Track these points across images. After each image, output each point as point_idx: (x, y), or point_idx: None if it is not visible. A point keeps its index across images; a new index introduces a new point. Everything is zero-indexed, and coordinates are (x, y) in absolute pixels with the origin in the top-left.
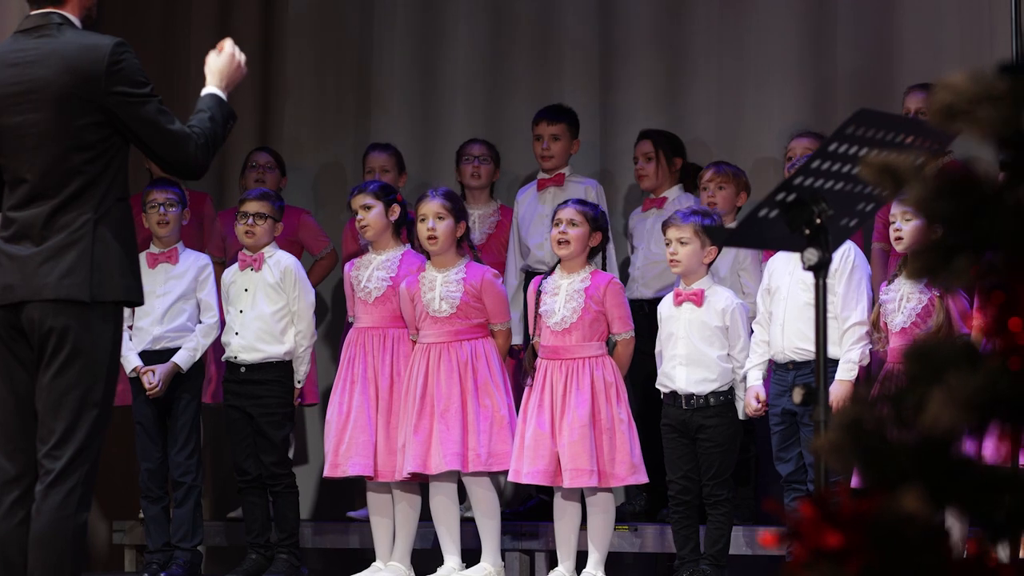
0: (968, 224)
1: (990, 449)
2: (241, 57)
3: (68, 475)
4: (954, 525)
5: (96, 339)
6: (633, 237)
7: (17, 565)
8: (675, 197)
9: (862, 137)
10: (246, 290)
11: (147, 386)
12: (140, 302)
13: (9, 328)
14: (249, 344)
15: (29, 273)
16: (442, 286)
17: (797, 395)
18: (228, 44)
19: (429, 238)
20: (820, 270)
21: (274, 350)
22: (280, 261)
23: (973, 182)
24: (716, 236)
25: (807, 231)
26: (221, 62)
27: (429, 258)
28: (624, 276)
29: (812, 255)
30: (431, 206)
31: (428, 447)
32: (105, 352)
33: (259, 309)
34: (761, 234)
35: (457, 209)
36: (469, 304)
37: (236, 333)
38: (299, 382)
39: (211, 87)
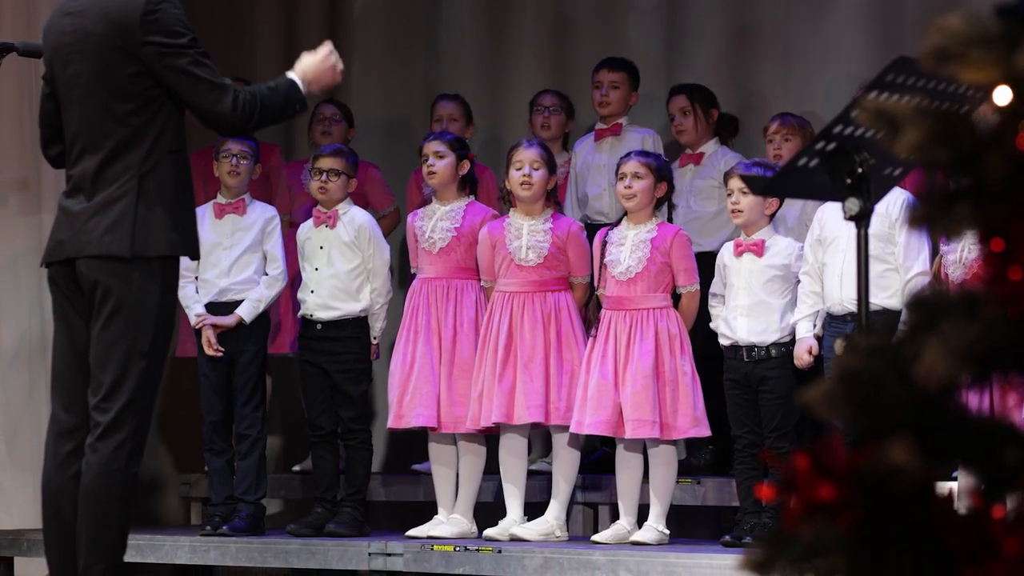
0: (968, 170)
1: (989, 401)
2: (338, 62)
3: (117, 428)
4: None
5: (140, 294)
6: (672, 193)
7: (69, 517)
8: (712, 152)
9: (902, 85)
10: (321, 247)
11: (211, 351)
12: (191, 255)
13: (68, 280)
14: (324, 302)
15: (77, 229)
16: (529, 235)
17: (838, 347)
18: (326, 46)
19: (523, 184)
20: (862, 220)
21: (349, 307)
22: (355, 219)
23: (969, 127)
24: (755, 185)
25: (848, 180)
26: (313, 60)
27: (513, 205)
28: None
29: (853, 205)
30: (528, 154)
31: (512, 397)
32: (152, 305)
33: (335, 267)
34: (802, 183)
35: (551, 161)
36: (555, 255)
37: (311, 291)
38: (375, 338)
39: (291, 73)
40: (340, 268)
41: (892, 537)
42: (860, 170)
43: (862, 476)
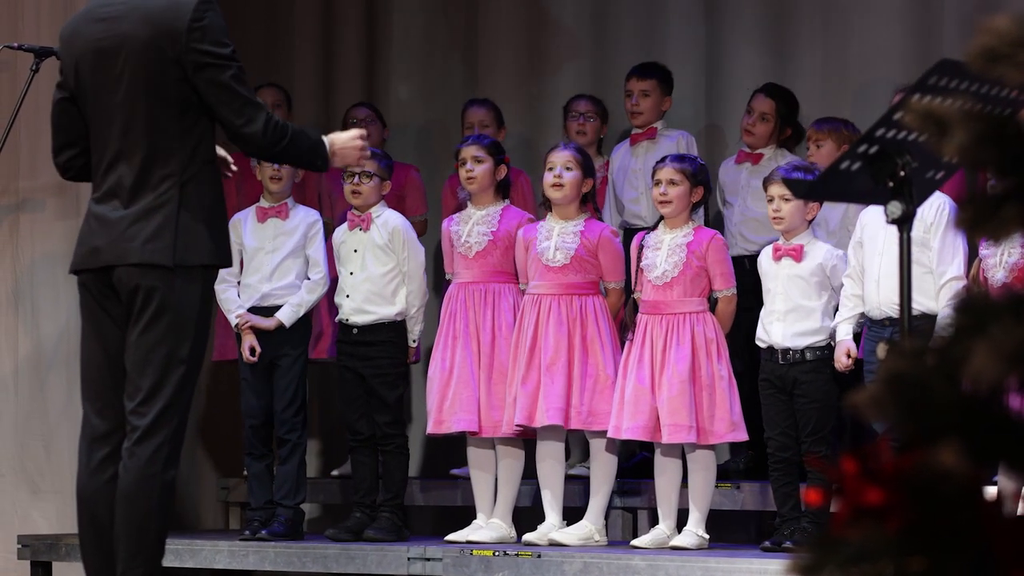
0: (1016, 172)
1: None
2: (365, 150)
3: (154, 432)
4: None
5: (182, 299)
6: (724, 191)
7: (104, 523)
8: (771, 155)
9: (945, 87)
10: (355, 251)
11: (251, 358)
12: (228, 264)
13: (101, 286)
14: (359, 306)
15: (115, 237)
16: (559, 236)
17: (881, 351)
18: (357, 131)
19: (554, 186)
20: (904, 223)
21: (385, 311)
22: (388, 221)
23: (1017, 129)
24: (797, 189)
25: (891, 183)
26: (342, 136)
27: (551, 209)
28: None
29: (896, 208)
30: (561, 156)
31: (535, 400)
32: (193, 310)
33: (369, 271)
34: (844, 187)
35: (586, 164)
36: (583, 258)
37: (347, 295)
38: (413, 342)
39: (325, 139)
40: (374, 271)
41: (940, 541)
42: (902, 173)
43: (910, 480)
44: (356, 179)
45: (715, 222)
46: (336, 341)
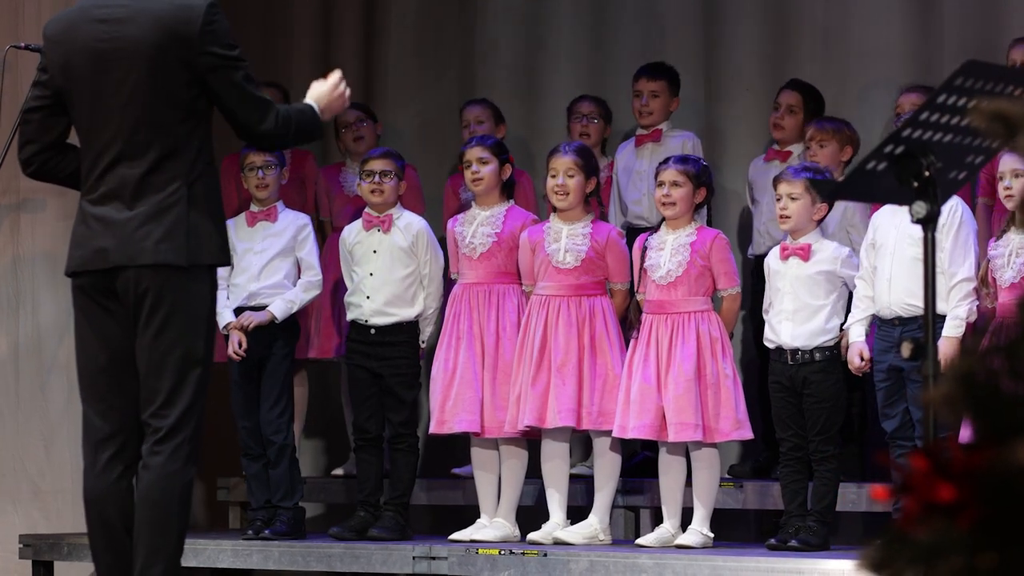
0: None
1: None
2: (346, 90)
3: (175, 433)
4: None
5: (193, 299)
6: (754, 189)
7: (114, 522)
8: (800, 152)
9: (971, 89)
10: (374, 252)
11: (234, 354)
12: (228, 263)
13: (101, 287)
14: (380, 309)
15: (124, 238)
16: (568, 238)
17: (906, 349)
18: (335, 75)
19: (557, 193)
20: (929, 223)
21: (405, 313)
22: (411, 225)
23: None
24: (823, 190)
25: (916, 184)
26: (323, 89)
27: (556, 210)
28: (747, 230)
29: (920, 208)
30: (563, 162)
31: (545, 401)
32: (203, 309)
33: (390, 273)
34: (869, 187)
35: (588, 165)
36: (593, 260)
37: (367, 296)
38: (423, 343)
39: (308, 100)
40: (396, 274)
41: (1014, 537)
42: (927, 173)
43: (985, 476)
44: (376, 178)
45: (745, 218)
46: (348, 340)
